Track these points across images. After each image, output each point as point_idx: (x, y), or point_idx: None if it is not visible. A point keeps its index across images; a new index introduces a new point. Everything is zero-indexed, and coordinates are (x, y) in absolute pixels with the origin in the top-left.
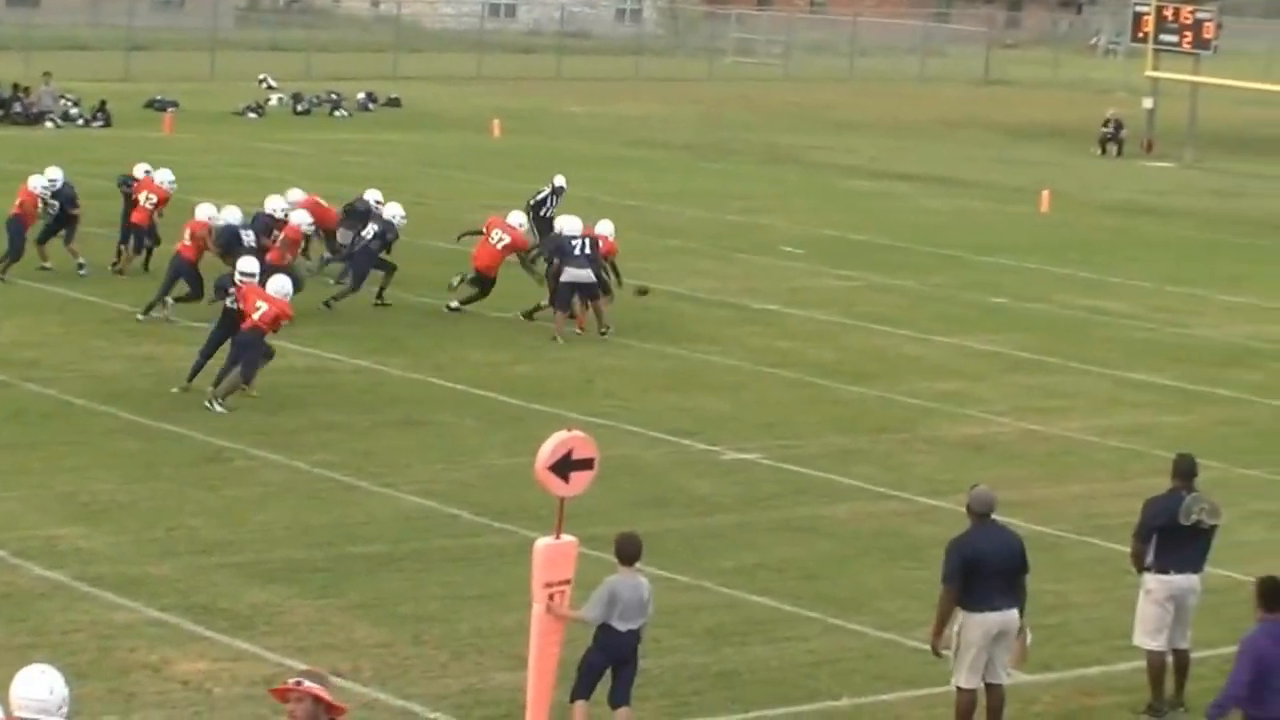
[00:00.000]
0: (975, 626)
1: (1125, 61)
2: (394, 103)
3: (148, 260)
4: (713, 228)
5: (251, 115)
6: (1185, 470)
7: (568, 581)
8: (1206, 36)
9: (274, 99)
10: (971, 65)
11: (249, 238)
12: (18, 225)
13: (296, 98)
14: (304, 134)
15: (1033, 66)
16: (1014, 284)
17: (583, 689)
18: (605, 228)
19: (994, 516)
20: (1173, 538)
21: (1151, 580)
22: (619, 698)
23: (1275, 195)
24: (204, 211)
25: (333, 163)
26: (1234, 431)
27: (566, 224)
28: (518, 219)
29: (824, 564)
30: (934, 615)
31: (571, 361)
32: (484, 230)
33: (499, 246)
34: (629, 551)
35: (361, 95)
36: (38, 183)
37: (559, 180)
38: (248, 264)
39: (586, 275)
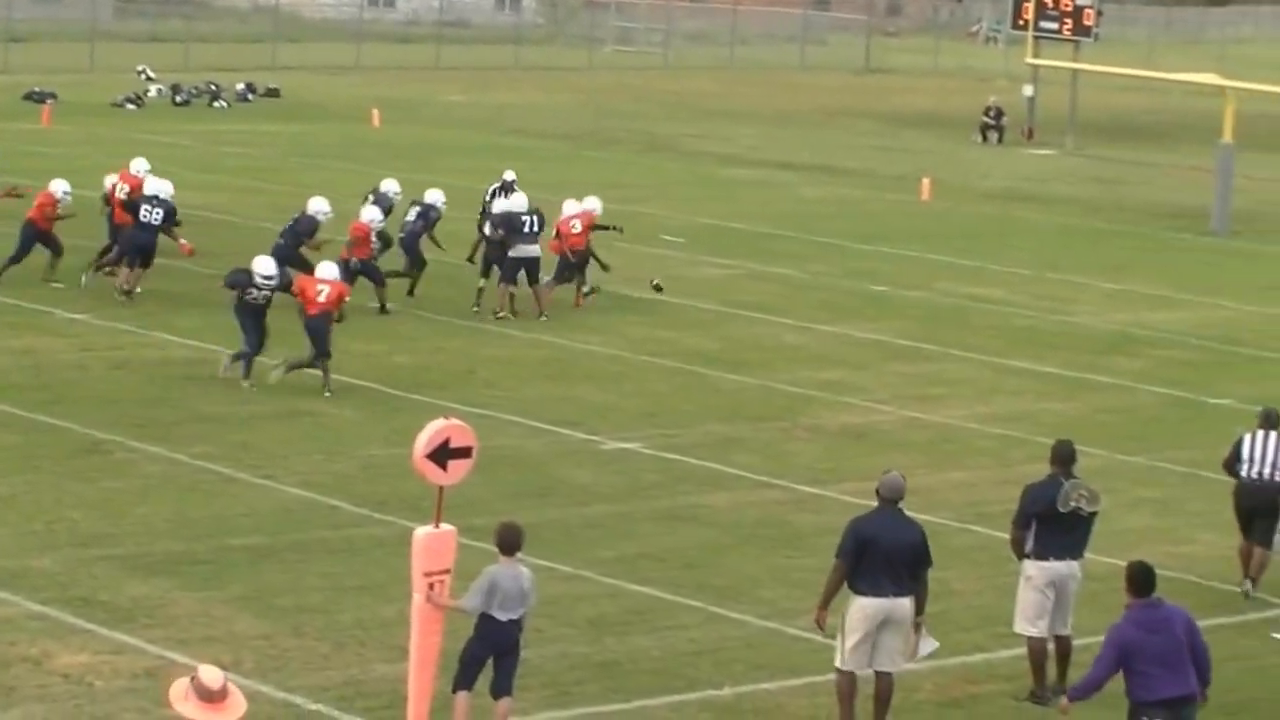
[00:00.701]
0: (859, 610)
1: (1006, 49)
2: (273, 93)
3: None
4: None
5: (130, 106)
6: (1064, 456)
7: (447, 571)
8: (1087, 23)
9: (153, 90)
10: (852, 53)
11: (150, 214)
12: (35, 229)
13: (175, 89)
14: (183, 125)
15: (913, 55)
16: (894, 272)
17: (464, 679)
18: (592, 203)
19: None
20: (1052, 524)
21: (1031, 567)
22: (500, 688)
23: (1156, 182)
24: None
25: (212, 154)
26: (1115, 419)
27: (515, 201)
28: (593, 203)
29: (705, 553)
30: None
31: (452, 352)
32: (555, 231)
33: (575, 231)
34: (510, 541)
35: (241, 86)
36: (59, 187)
37: (508, 175)
38: (265, 266)
39: (533, 250)
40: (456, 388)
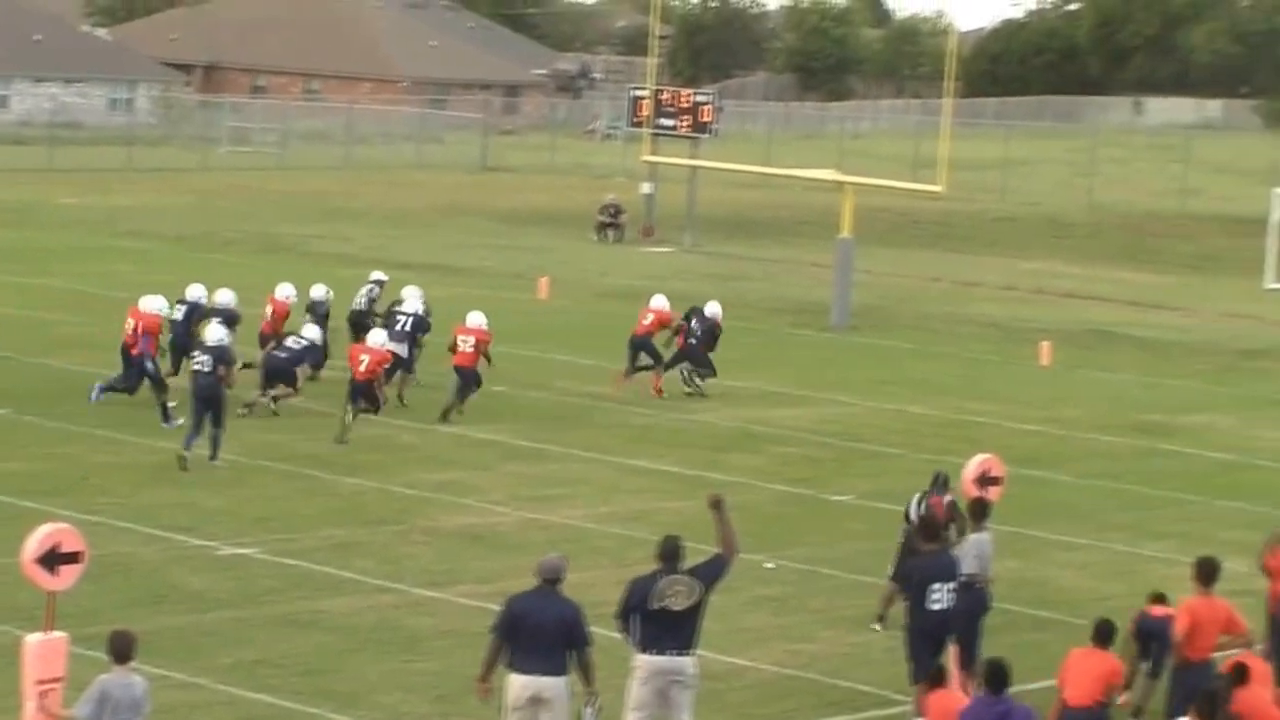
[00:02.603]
0: (509, 686)
1: (624, 146)
2: None
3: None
4: None
5: None
6: (668, 553)
7: (59, 679)
8: (705, 120)
9: None
10: (469, 152)
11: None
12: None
13: None
14: None
15: (531, 152)
16: (513, 371)
17: None
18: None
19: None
20: (651, 619)
21: (637, 659)
22: None
23: (776, 278)
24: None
25: None
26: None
27: (407, 292)
28: (660, 302)
29: (323, 658)
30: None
31: (64, 458)
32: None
33: (647, 322)
34: (122, 649)
35: None
36: (156, 304)
37: (377, 274)
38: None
39: (399, 348)
40: (69, 494)
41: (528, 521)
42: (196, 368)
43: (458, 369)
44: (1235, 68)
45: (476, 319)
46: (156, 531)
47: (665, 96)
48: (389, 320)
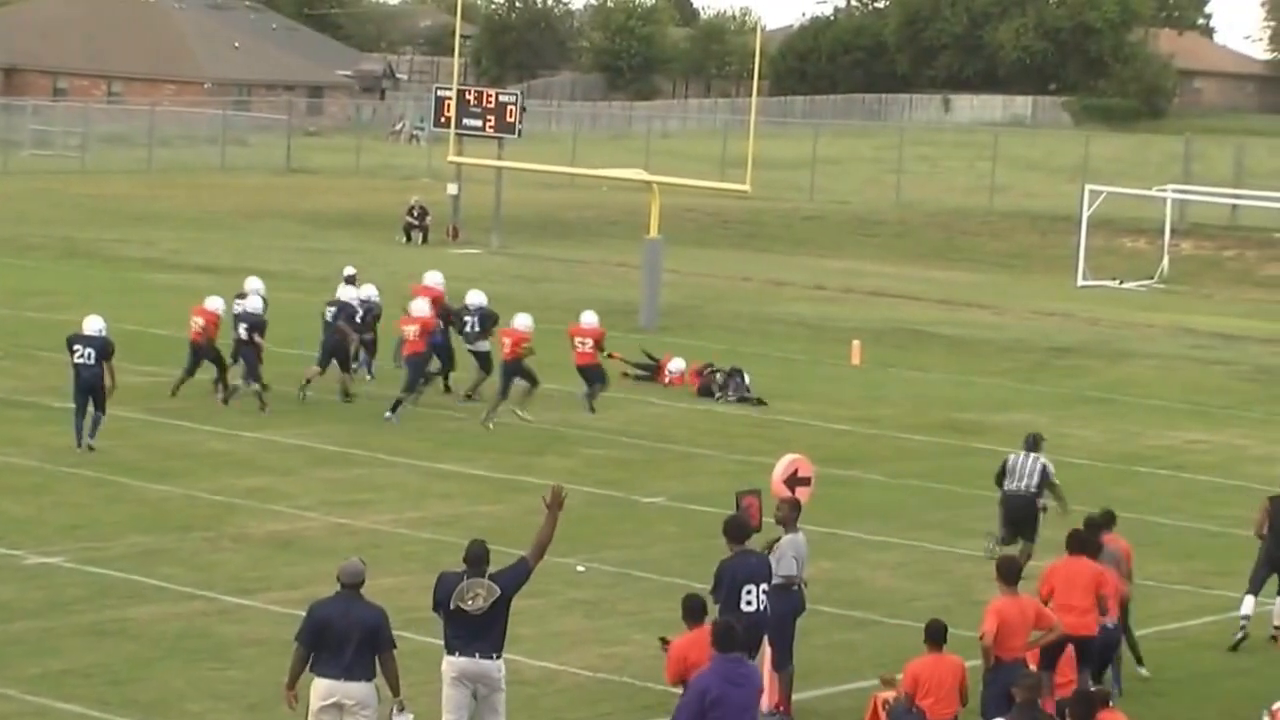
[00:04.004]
0: (312, 691)
1: (430, 147)
2: None
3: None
4: (11, 325)
5: None
6: (474, 558)
7: None
8: (510, 120)
9: None
10: (273, 154)
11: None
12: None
13: None
14: None
15: (336, 154)
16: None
17: None
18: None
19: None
20: (453, 619)
21: (444, 660)
22: None
23: (583, 279)
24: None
25: None
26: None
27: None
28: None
29: (131, 667)
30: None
31: None
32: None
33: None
34: None
35: None
36: (423, 306)
37: (348, 270)
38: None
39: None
40: None
41: (337, 527)
42: (80, 360)
43: (580, 369)
44: (1043, 65)
45: (590, 318)
46: None
47: (470, 97)
48: (458, 321)
